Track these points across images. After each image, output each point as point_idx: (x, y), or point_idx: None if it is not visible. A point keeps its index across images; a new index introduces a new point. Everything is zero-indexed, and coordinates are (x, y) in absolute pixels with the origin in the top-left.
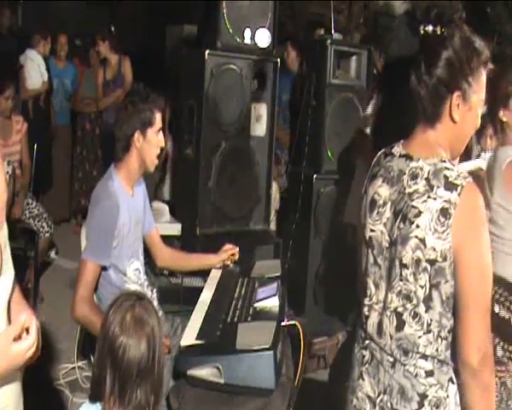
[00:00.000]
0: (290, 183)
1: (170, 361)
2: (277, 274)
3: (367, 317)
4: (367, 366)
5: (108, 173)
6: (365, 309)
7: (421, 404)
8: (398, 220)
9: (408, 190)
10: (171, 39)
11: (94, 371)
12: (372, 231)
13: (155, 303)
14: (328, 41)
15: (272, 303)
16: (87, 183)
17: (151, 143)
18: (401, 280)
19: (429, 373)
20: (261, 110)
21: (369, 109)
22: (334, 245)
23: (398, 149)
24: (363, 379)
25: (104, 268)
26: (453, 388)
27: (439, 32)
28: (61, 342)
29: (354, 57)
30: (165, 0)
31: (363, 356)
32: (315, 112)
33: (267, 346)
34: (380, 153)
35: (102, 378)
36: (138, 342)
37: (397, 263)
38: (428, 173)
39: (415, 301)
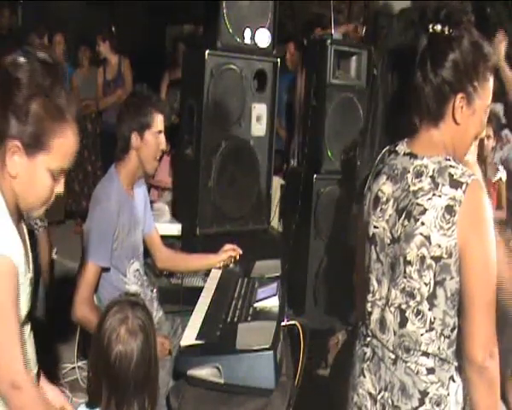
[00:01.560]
0: (290, 183)
1: (170, 361)
2: (277, 274)
3: (370, 313)
4: (368, 362)
5: (108, 174)
6: (368, 305)
7: (421, 401)
8: (402, 218)
9: (412, 188)
10: (171, 39)
11: (89, 381)
12: (375, 227)
13: (155, 303)
14: (328, 41)
15: (272, 303)
16: (89, 184)
17: (148, 145)
18: (405, 277)
19: (430, 371)
20: (261, 110)
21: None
22: (334, 245)
23: (402, 148)
24: (364, 376)
25: (104, 269)
26: (454, 386)
27: (447, 33)
28: (61, 342)
29: (354, 57)
30: (165, 0)
31: (365, 353)
32: (315, 112)
33: (267, 346)
34: (384, 150)
35: (99, 391)
36: (133, 354)
37: (401, 260)
38: (433, 171)
39: (418, 299)
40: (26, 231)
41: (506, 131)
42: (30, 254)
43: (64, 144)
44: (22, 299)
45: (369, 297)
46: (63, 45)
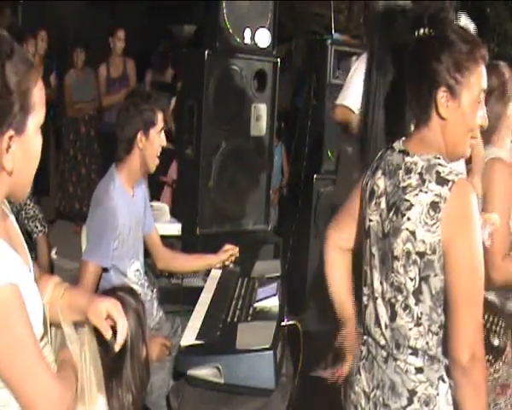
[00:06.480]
0: (290, 183)
1: (170, 362)
2: (277, 274)
3: (366, 306)
4: (364, 361)
5: (109, 174)
6: (364, 298)
7: (410, 400)
8: (391, 213)
9: (402, 184)
10: (169, 40)
11: None
12: (370, 221)
13: (155, 303)
14: (329, 41)
15: (272, 303)
16: (82, 187)
17: (153, 143)
18: (393, 272)
19: (419, 370)
20: (261, 110)
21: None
22: None
23: (397, 145)
24: (360, 374)
25: (105, 269)
26: (444, 386)
27: (429, 34)
28: None
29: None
30: (165, 0)
31: (361, 352)
32: (315, 112)
33: (267, 346)
34: (385, 148)
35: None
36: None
37: (389, 255)
38: (422, 168)
39: (405, 293)
40: (16, 225)
41: None
42: (25, 247)
43: (38, 89)
44: (36, 308)
45: (365, 290)
46: (46, 42)
